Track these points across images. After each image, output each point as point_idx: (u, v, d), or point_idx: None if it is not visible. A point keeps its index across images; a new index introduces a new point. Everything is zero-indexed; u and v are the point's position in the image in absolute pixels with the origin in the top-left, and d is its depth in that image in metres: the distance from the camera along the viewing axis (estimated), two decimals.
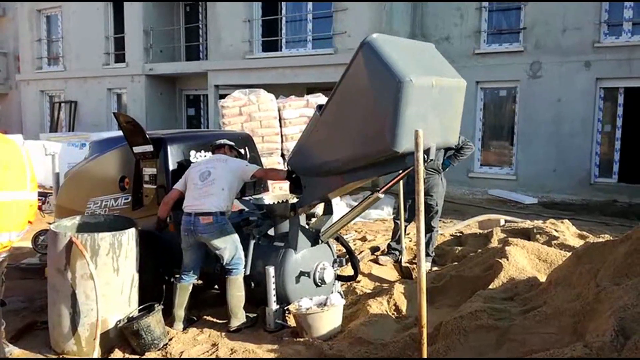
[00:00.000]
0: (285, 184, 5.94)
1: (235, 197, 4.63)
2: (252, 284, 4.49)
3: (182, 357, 4.03)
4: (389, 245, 6.12)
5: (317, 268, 4.51)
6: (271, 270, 4.32)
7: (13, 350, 4.08)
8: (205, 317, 4.71)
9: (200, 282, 4.90)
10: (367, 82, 3.52)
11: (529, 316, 3.31)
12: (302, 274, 4.45)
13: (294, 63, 12.59)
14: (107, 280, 4.05)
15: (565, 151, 11.19)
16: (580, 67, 10.98)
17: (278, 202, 4.74)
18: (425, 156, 3.49)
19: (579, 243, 5.37)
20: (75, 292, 3.99)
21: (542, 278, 4.33)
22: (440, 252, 6.32)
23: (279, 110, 7.97)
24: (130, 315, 4.18)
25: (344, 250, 5.06)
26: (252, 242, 4.60)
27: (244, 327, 4.39)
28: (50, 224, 4.66)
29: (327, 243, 4.75)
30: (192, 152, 5.03)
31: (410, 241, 6.39)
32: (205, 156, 5.08)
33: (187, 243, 4.44)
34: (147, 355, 4.04)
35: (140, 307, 4.28)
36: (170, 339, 4.22)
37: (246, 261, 4.54)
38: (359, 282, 5.37)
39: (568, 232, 6.08)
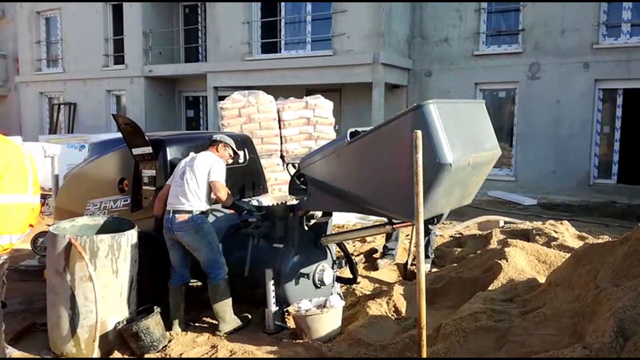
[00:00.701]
0: (285, 186, 5.95)
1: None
2: (251, 286, 4.49)
3: (181, 358, 4.02)
4: (385, 247, 6.12)
5: (316, 270, 4.51)
6: (270, 271, 4.31)
7: (12, 352, 4.07)
8: (204, 318, 4.71)
9: (199, 283, 4.90)
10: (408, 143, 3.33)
11: (528, 317, 3.31)
12: (301, 275, 4.45)
13: (293, 65, 12.60)
14: (106, 282, 4.05)
15: (564, 152, 11.20)
16: (579, 69, 11.00)
17: (277, 203, 4.74)
18: (436, 219, 3.54)
19: (579, 244, 5.37)
20: (74, 294, 3.98)
21: (542, 279, 4.33)
22: (440, 254, 6.32)
23: (278, 112, 7.97)
24: (130, 317, 4.18)
25: (342, 253, 5.06)
26: (251, 244, 4.60)
27: (234, 331, 4.36)
28: (49, 225, 4.65)
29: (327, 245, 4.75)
30: (191, 154, 5.03)
31: (409, 242, 6.39)
32: None
33: (169, 242, 4.44)
34: (146, 357, 4.04)
35: (140, 309, 4.28)
36: (169, 341, 4.22)
37: (245, 262, 4.53)
38: (358, 283, 5.37)
39: (567, 233, 6.08)
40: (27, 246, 6.44)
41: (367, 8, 11.73)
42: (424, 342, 3.16)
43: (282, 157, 7.98)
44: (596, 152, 11.22)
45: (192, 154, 4.59)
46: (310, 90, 12.30)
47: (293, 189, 4.82)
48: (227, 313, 4.37)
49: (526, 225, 6.69)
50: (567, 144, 11.17)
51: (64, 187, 5.97)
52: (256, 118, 7.84)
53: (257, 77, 12.96)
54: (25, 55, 18.45)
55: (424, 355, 3.18)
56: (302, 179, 4.37)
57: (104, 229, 4.39)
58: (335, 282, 4.84)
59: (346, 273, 5.18)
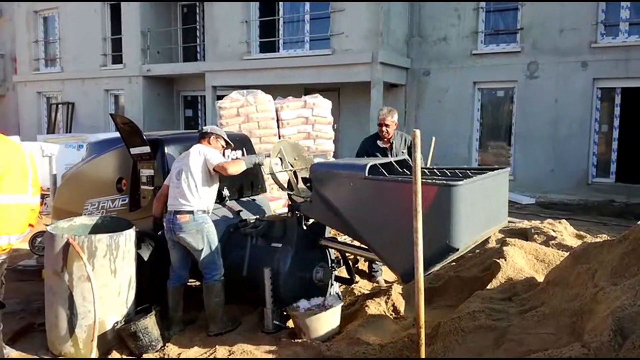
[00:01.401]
0: (284, 184, 5.94)
1: (215, 191, 4.49)
2: (249, 285, 4.49)
3: (179, 358, 4.02)
4: (370, 267, 6.00)
5: (315, 269, 4.51)
6: (269, 271, 4.31)
7: (10, 352, 4.07)
8: (203, 318, 4.70)
9: (198, 283, 4.89)
10: (426, 211, 3.30)
11: (527, 316, 3.31)
12: (300, 275, 4.44)
13: (291, 64, 12.59)
14: (104, 282, 4.04)
15: (562, 151, 11.21)
16: (578, 68, 11.01)
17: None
18: None
19: (577, 243, 5.37)
20: (72, 293, 3.98)
21: (540, 278, 4.33)
22: None
23: (276, 111, 7.96)
24: (128, 317, 4.17)
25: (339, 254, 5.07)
26: (250, 243, 4.59)
27: (224, 332, 4.33)
28: (47, 225, 4.64)
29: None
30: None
31: None
32: None
33: (170, 242, 4.43)
34: (145, 356, 4.03)
35: (138, 308, 4.27)
36: (167, 341, 4.22)
37: (243, 262, 4.53)
38: (357, 282, 5.37)
39: (566, 232, 6.08)
40: (25, 246, 6.43)
41: (365, 7, 11.73)
42: (423, 342, 3.16)
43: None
44: (594, 151, 11.23)
45: (184, 152, 4.54)
46: (308, 89, 12.31)
47: (288, 186, 4.81)
48: (218, 314, 4.35)
49: (525, 224, 6.68)
50: (566, 143, 11.18)
51: (62, 187, 5.96)
52: (255, 117, 7.84)
53: (256, 77, 12.95)
54: (23, 55, 18.42)
55: (423, 355, 3.18)
56: (307, 184, 4.32)
57: (102, 229, 4.39)
58: (334, 282, 4.84)
59: (345, 272, 5.18)
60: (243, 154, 5.37)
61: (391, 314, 4.50)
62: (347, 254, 5.18)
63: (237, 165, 4.40)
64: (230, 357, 3.92)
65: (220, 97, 9.74)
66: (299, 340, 4.03)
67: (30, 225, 3.64)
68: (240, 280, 4.52)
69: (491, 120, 12.48)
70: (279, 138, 7.94)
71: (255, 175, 5.40)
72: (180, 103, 16.65)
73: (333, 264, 4.76)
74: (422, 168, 3.87)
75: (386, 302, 4.58)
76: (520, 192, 11.32)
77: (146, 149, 4.81)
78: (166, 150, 4.88)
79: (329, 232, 4.95)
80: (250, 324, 4.51)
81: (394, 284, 5.09)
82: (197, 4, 15.79)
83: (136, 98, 15.82)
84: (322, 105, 8.15)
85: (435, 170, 4.48)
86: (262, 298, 4.34)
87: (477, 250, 5.79)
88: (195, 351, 4.09)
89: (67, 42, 17.25)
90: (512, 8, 11.89)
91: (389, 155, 5.21)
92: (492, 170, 4.14)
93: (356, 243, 4.55)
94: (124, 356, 4.08)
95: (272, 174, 4.54)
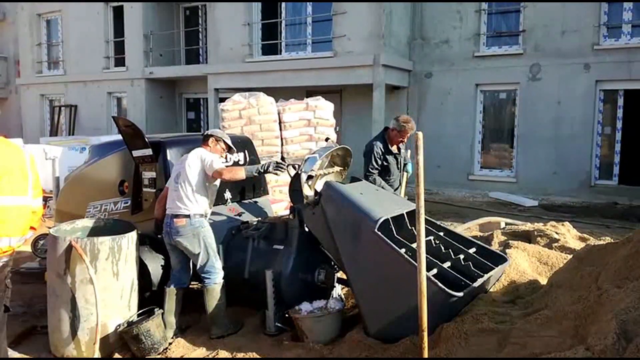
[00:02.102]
0: (285, 187, 5.94)
1: (213, 195, 4.48)
2: (251, 287, 4.48)
3: (182, 358, 4.01)
4: None
5: (317, 271, 4.50)
6: (270, 273, 4.30)
7: (13, 355, 4.07)
8: (204, 320, 4.69)
9: (199, 285, 4.88)
10: None
11: (530, 319, 3.29)
12: (302, 277, 4.43)
13: (293, 66, 12.60)
14: (107, 285, 4.04)
15: (565, 153, 11.19)
16: (580, 70, 10.99)
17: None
18: None
19: (580, 245, 5.35)
20: (74, 296, 3.98)
21: (543, 281, 4.31)
22: None
23: (278, 114, 7.95)
24: (130, 320, 4.17)
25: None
26: (251, 245, 4.58)
27: (226, 335, 4.30)
28: (50, 228, 4.65)
29: None
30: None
31: None
32: None
33: (168, 246, 4.42)
34: (147, 359, 4.03)
35: (140, 311, 4.27)
36: (170, 343, 4.21)
37: (245, 264, 4.52)
38: None
39: (569, 234, 6.05)
40: (28, 248, 6.44)
41: (367, 9, 11.73)
42: (426, 344, 3.14)
43: (282, 158, 7.96)
44: (597, 153, 11.20)
45: (185, 155, 4.52)
46: (310, 91, 12.32)
47: (293, 191, 4.80)
48: (219, 317, 4.33)
49: (527, 226, 6.65)
50: (568, 145, 11.16)
51: (65, 190, 5.96)
52: (257, 120, 7.83)
53: (258, 79, 12.96)
54: (26, 58, 18.48)
55: (425, 357, 3.17)
56: (316, 197, 4.29)
57: (104, 231, 4.39)
58: (336, 284, 4.83)
59: None
60: (245, 157, 5.37)
61: None
62: None
63: (235, 173, 4.37)
64: (232, 359, 3.92)
65: (222, 100, 9.76)
66: (301, 343, 4.03)
67: (32, 228, 3.63)
68: (242, 283, 4.52)
69: (493, 122, 12.47)
70: (281, 140, 7.93)
71: (257, 177, 5.39)
72: (182, 105, 16.68)
73: (335, 266, 4.75)
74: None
75: None
76: (523, 194, 11.30)
77: (148, 152, 4.82)
78: (168, 152, 4.88)
79: None
80: (252, 327, 4.50)
81: None
82: (200, 6, 15.82)
83: (138, 101, 15.85)
84: (324, 108, 8.14)
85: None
86: (264, 300, 4.33)
87: None
88: (198, 353, 4.09)
89: (70, 45, 17.30)
90: (514, 10, 11.89)
91: (398, 159, 5.42)
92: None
93: None
94: (126, 358, 4.08)
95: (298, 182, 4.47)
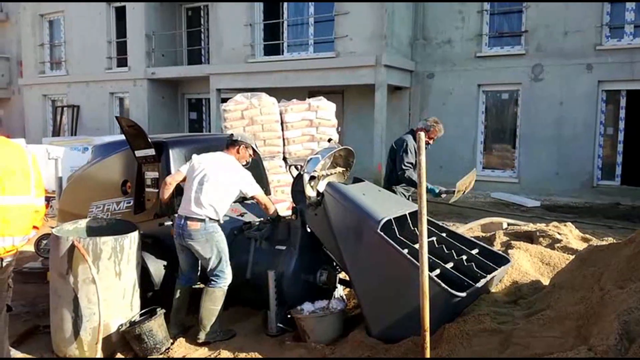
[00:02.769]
0: (287, 188, 5.94)
1: (230, 204, 4.51)
2: (253, 288, 4.48)
3: (184, 358, 4.02)
4: None
5: (319, 272, 4.50)
6: (273, 274, 4.30)
7: (15, 354, 4.08)
8: None
9: (203, 286, 4.89)
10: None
11: (532, 320, 3.29)
12: (304, 277, 4.44)
13: (295, 66, 12.61)
14: (109, 285, 4.05)
15: (567, 154, 11.17)
16: (582, 70, 10.98)
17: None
18: None
19: (582, 246, 5.34)
20: (77, 296, 3.99)
21: (546, 281, 4.31)
22: None
23: (280, 114, 7.96)
24: (132, 319, 4.17)
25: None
26: (254, 246, 4.59)
27: (212, 342, 4.21)
28: (52, 228, 4.65)
29: None
30: (209, 156, 5.01)
31: None
32: None
33: (178, 247, 4.41)
34: (149, 358, 4.03)
35: (142, 311, 4.27)
36: (172, 343, 4.21)
37: (247, 265, 4.52)
38: None
39: (571, 235, 6.04)
40: (31, 248, 6.45)
41: (369, 10, 11.73)
42: (428, 345, 3.14)
43: (284, 159, 7.97)
44: (600, 153, 11.18)
45: (210, 156, 4.45)
46: (312, 92, 12.32)
47: (295, 191, 4.81)
48: (210, 323, 4.23)
49: (530, 227, 6.65)
50: (571, 145, 11.14)
51: (68, 190, 5.98)
52: (259, 120, 7.84)
53: (260, 79, 12.97)
54: (28, 58, 18.52)
55: (428, 358, 3.17)
56: (319, 197, 4.29)
57: (107, 231, 4.39)
58: (338, 284, 4.83)
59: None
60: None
61: None
62: None
63: (269, 205, 4.52)
64: (234, 358, 3.92)
65: (224, 100, 9.76)
66: (303, 343, 4.03)
67: (35, 227, 3.64)
68: (244, 283, 4.52)
69: (496, 122, 12.45)
70: (283, 141, 7.94)
71: (259, 177, 5.40)
72: (184, 106, 16.70)
73: (337, 267, 4.75)
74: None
75: None
76: (525, 195, 11.29)
77: (151, 152, 4.82)
78: (171, 153, 4.88)
79: None
80: (254, 327, 4.51)
81: None
82: (202, 6, 15.84)
83: (141, 101, 15.87)
84: (326, 108, 8.14)
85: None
86: (266, 301, 4.33)
87: None
88: (200, 353, 4.09)
89: (72, 45, 17.33)
90: (516, 10, 11.88)
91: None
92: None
93: None
94: (128, 358, 4.08)
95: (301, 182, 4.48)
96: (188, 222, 4.22)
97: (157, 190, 4.88)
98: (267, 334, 4.34)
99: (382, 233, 3.79)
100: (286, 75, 12.64)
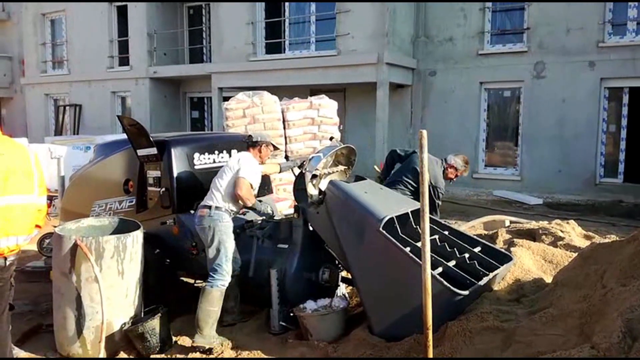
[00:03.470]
0: (289, 186, 5.94)
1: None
2: (256, 286, 4.48)
3: (187, 358, 4.02)
4: None
5: (321, 270, 4.50)
6: (275, 272, 4.31)
7: (19, 353, 4.09)
8: None
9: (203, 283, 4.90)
10: None
11: (535, 318, 3.28)
12: (306, 275, 4.44)
13: (297, 65, 12.60)
14: (112, 283, 4.06)
15: (570, 151, 11.15)
16: (585, 67, 10.94)
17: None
18: None
19: (585, 244, 5.33)
20: (80, 295, 3.99)
21: (548, 279, 4.30)
22: None
23: (282, 112, 7.95)
24: (135, 318, 4.18)
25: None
26: (256, 244, 4.59)
27: (206, 349, 4.03)
28: (55, 227, 4.66)
29: None
30: (196, 155, 5.03)
31: None
32: (209, 159, 5.09)
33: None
34: (152, 357, 4.04)
35: (146, 309, 4.28)
36: (175, 342, 4.22)
37: (250, 263, 4.53)
38: None
39: (574, 232, 6.04)
40: (34, 247, 6.47)
41: (371, 8, 11.71)
42: (430, 343, 3.14)
43: (286, 157, 7.96)
44: (602, 151, 11.16)
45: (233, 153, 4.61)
46: (314, 90, 12.30)
47: (297, 190, 4.81)
48: (207, 325, 4.09)
49: (532, 224, 6.64)
50: (573, 143, 11.12)
51: (70, 189, 5.99)
52: (260, 118, 7.83)
53: (262, 78, 12.97)
54: (30, 58, 18.54)
55: (430, 356, 3.17)
56: (321, 196, 4.29)
57: (109, 230, 4.40)
58: (341, 283, 4.83)
59: None
60: None
61: None
62: None
63: (248, 197, 4.37)
64: (237, 357, 3.93)
65: (226, 99, 9.75)
66: (306, 341, 4.03)
67: (38, 226, 3.65)
68: (247, 281, 4.52)
69: (498, 120, 12.43)
70: (285, 139, 7.93)
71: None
72: (186, 104, 16.71)
73: (339, 265, 4.75)
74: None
75: None
76: (528, 193, 11.27)
77: (153, 151, 4.83)
78: (173, 152, 4.88)
79: None
80: (257, 325, 4.52)
81: None
82: (203, 5, 15.84)
83: (143, 100, 15.88)
84: (328, 106, 8.13)
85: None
86: (268, 299, 4.34)
87: None
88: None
89: (74, 44, 17.34)
90: (518, 8, 11.85)
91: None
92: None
93: None
94: (132, 357, 4.09)
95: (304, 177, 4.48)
96: (199, 210, 4.33)
97: (159, 189, 4.88)
98: (269, 332, 4.35)
99: (384, 231, 3.79)
100: (288, 74, 12.63)
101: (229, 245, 4.27)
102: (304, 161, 4.59)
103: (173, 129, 15.05)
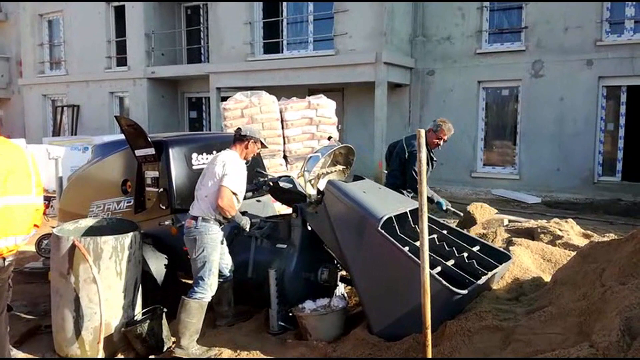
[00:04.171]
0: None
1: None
2: (255, 286, 4.48)
3: (186, 358, 4.01)
4: None
5: (320, 270, 4.50)
6: (274, 272, 4.30)
7: (17, 354, 4.09)
8: (211, 317, 4.69)
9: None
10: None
11: (534, 316, 3.29)
12: (305, 275, 4.43)
13: (295, 65, 12.59)
14: (110, 284, 4.05)
15: (568, 150, 11.16)
16: (583, 66, 10.95)
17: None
18: None
19: (584, 242, 5.33)
20: (78, 295, 3.99)
21: (547, 278, 4.30)
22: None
23: (280, 112, 7.95)
24: (134, 319, 4.17)
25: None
26: (254, 244, 4.58)
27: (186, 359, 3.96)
28: (53, 227, 4.65)
29: None
30: (194, 155, 5.02)
31: None
32: (207, 159, 5.08)
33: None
34: (151, 357, 4.03)
35: (144, 310, 4.27)
36: (173, 342, 4.21)
37: (248, 263, 4.52)
38: None
39: (572, 231, 6.04)
40: (32, 248, 6.46)
41: (368, 7, 11.71)
42: (429, 342, 3.14)
43: (285, 157, 7.96)
44: (600, 149, 11.17)
45: (215, 154, 4.40)
46: (312, 90, 12.30)
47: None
48: (184, 336, 3.98)
49: (531, 223, 6.64)
50: (571, 141, 11.13)
51: (68, 189, 5.97)
52: (259, 118, 7.82)
53: (260, 78, 12.96)
54: (28, 58, 18.51)
55: (429, 355, 3.17)
56: (319, 195, 4.29)
57: (107, 231, 4.39)
58: (340, 283, 4.82)
59: None
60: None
61: None
62: None
63: (229, 208, 4.13)
64: (236, 357, 3.92)
65: (224, 99, 9.74)
66: (305, 341, 4.03)
67: (36, 226, 3.65)
68: (246, 281, 4.52)
69: (496, 119, 12.43)
70: (283, 139, 7.93)
71: (258, 175, 5.39)
72: (184, 105, 16.69)
73: (338, 265, 4.75)
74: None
75: None
76: (526, 192, 11.28)
77: (151, 151, 4.82)
78: (170, 152, 4.88)
79: None
80: (256, 325, 4.51)
81: None
82: (201, 5, 15.82)
83: (141, 100, 15.86)
84: (326, 106, 8.13)
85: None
86: (267, 299, 4.33)
87: None
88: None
89: (72, 45, 17.32)
90: (516, 7, 11.85)
91: (431, 160, 5.58)
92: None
93: None
94: (130, 357, 4.08)
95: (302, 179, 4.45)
96: (186, 220, 4.24)
97: (157, 190, 4.88)
98: (268, 332, 4.35)
99: (382, 231, 3.78)
100: (286, 74, 12.63)
101: (214, 258, 4.13)
102: (246, 224, 4.40)
103: (171, 129, 15.04)
